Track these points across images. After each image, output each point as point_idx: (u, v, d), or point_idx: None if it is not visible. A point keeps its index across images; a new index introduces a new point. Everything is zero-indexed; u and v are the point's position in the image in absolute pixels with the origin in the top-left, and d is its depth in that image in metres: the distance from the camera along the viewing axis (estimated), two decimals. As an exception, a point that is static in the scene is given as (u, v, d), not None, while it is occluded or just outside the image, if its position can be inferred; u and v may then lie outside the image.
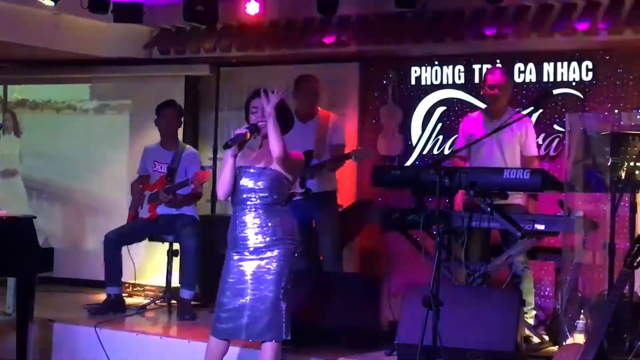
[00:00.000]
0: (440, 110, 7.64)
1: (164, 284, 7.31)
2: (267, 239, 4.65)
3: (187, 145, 7.34)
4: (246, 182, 4.69)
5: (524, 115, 5.70)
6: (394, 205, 6.91)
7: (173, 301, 7.11)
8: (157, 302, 7.31)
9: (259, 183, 4.68)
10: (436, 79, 7.68)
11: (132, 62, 8.45)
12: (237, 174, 4.72)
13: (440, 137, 7.61)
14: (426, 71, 7.71)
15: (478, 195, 5.52)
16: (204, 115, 8.64)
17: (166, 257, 7.24)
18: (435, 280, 4.64)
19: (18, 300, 6.15)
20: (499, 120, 6.05)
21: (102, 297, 7.06)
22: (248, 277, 4.65)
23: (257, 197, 4.67)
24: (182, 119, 7.34)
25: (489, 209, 5.48)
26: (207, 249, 7.01)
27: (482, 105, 7.18)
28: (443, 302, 4.63)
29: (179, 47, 8.21)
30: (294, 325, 4.73)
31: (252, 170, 4.71)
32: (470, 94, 7.49)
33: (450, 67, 7.61)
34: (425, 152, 7.66)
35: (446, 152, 7.47)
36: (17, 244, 5.99)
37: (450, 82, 7.62)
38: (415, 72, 7.76)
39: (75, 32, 7.99)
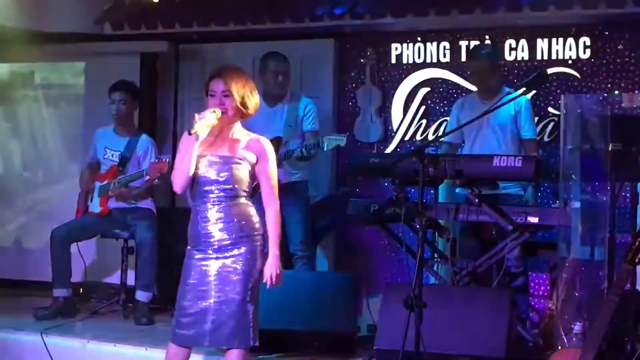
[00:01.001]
0: (423, 91, 7.64)
1: (117, 285, 7.28)
2: (233, 235, 4.61)
3: (144, 134, 7.30)
4: (207, 172, 4.63)
5: (517, 96, 5.72)
6: (372, 197, 6.91)
7: (129, 304, 7.07)
8: (110, 305, 7.28)
9: (222, 174, 4.62)
10: (419, 57, 7.68)
11: (82, 38, 8.38)
12: (196, 163, 4.67)
13: (424, 121, 7.61)
14: (408, 48, 7.71)
15: (465, 185, 5.54)
16: (162, 97, 8.60)
17: (120, 255, 7.20)
18: (418, 280, 4.64)
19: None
20: (492, 101, 6.05)
21: (49, 300, 7.01)
22: (212, 278, 4.62)
23: (220, 189, 4.62)
24: (137, 102, 7.29)
25: (477, 201, 5.50)
26: (166, 246, 6.99)
27: (469, 86, 7.22)
28: (426, 303, 4.64)
29: (134, 22, 8.16)
30: (262, 330, 4.72)
31: (213, 160, 4.65)
32: (457, 74, 7.50)
33: (435, 43, 7.61)
34: (407, 138, 7.67)
35: (430, 137, 7.48)
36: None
37: (435, 60, 7.62)
38: (396, 49, 7.75)
39: (16, 4, 7.90)
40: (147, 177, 6.78)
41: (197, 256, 4.67)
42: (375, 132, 7.73)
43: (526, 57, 7.29)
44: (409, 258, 5.31)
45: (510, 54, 7.32)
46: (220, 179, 4.61)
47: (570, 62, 7.15)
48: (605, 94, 6.97)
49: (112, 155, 7.05)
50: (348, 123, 7.87)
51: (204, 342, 4.64)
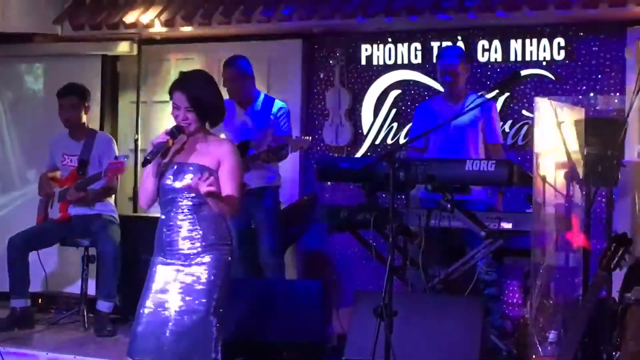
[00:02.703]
0: (394, 94, 7.66)
1: (78, 295, 7.23)
2: (197, 244, 4.59)
3: (100, 132, 7.27)
4: (172, 180, 4.61)
5: (487, 100, 5.76)
6: (341, 203, 6.92)
7: (90, 314, 7.03)
8: (70, 315, 7.23)
9: (185, 181, 4.57)
10: (389, 59, 7.69)
11: (40, 39, 8.33)
12: (162, 171, 4.63)
13: (395, 124, 7.63)
14: (378, 49, 7.72)
15: (437, 190, 5.56)
16: (125, 99, 8.56)
17: (81, 264, 7.16)
18: (388, 287, 4.65)
19: None
20: (458, 105, 6.09)
21: (6, 311, 6.96)
22: (174, 287, 4.58)
23: (185, 197, 4.59)
24: (88, 104, 7.21)
25: (449, 206, 5.51)
26: (128, 254, 6.96)
27: (442, 88, 7.24)
28: (397, 311, 4.65)
29: (95, 22, 8.12)
30: (230, 341, 4.70)
31: (178, 168, 4.62)
32: (429, 76, 7.51)
33: (406, 45, 7.63)
34: (377, 141, 7.68)
35: (401, 141, 7.49)
36: None
37: (406, 61, 7.63)
38: (366, 50, 7.76)
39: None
40: (105, 178, 6.74)
41: (161, 264, 4.64)
42: (345, 136, 7.74)
43: (499, 59, 7.32)
44: (380, 265, 5.31)
45: (483, 55, 7.35)
46: (183, 188, 4.57)
47: (544, 63, 7.18)
48: (580, 97, 7.02)
49: (71, 160, 7.02)
50: (317, 126, 7.87)
51: (161, 357, 4.55)
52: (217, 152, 4.61)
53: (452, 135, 6.23)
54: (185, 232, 4.58)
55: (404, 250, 5.94)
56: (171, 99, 4.63)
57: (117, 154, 7.01)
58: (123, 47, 8.33)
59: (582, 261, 5.52)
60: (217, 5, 7.76)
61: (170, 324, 4.54)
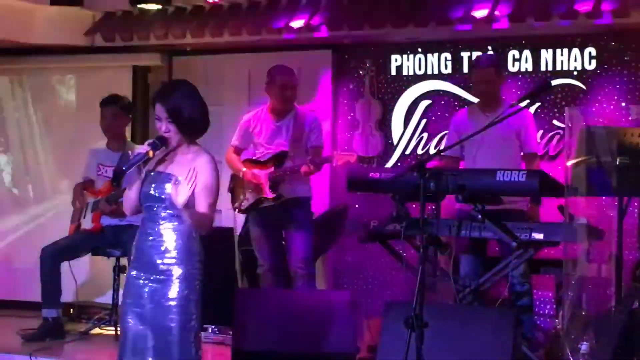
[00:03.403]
0: (424, 104, 7.66)
1: (109, 305, 7.26)
2: (169, 255, 4.49)
3: (137, 146, 7.30)
4: (150, 188, 4.52)
5: (521, 108, 5.71)
6: (372, 214, 6.91)
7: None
8: (101, 326, 7.26)
9: (161, 192, 4.49)
10: (420, 69, 7.70)
11: (72, 51, 8.40)
12: (143, 180, 4.57)
13: (425, 134, 7.62)
14: (408, 60, 7.73)
15: (468, 200, 5.54)
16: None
17: (112, 274, 7.19)
18: (419, 298, 4.64)
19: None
20: (494, 114, 6.04)
21: (37, 321, 7.00)
22: (147, 301, 4.50)
23: (161, 207, 4.50)
24: (130, 116, 7.29)
25: (479, 216, 5.49)
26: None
27: (472, 98, 7.23)
28: (428, 322, 4.63)
29: (126, 34, 8.17)
30: (260, 351, 4.70)
31: (156, 176, 4.54)
32: (459, 86, 7.51)
33: (436, 55, 7.63)
34: (407, 152, 7.68)
35: (432, 151, 7.48)
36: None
37: (436, 72, 7.64)
38: (396, 60, 7.77)
39: (3, 15, 7.92)
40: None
41: (132, 273, 4.58)
42: (375, 146, 7.74)
43: (530, 69, 7.31)
44: (410, 276, 5.30)
45: (513, 65, 7.34)
46: (160, 197, 4.49)
47: (575, 73, 7.16)
48: (611, 107, 6.99)
49: (106, 171, 7.06)
50: (347, 137, 7.87)
51: None
52: (193, 164, 4.48)
53: (487, 145, 6.21)
54: (159, 243, 4.51)
55: (434, 261, 5.93)
56: (155, 114, 4.53)
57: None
58: (154, 59, 8.38)
59: (614, 272, 5.48)
60: (247, 16, 7.79)
61: (151, 339, 4.47)
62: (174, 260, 4.49)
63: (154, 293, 4.48)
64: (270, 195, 6.61)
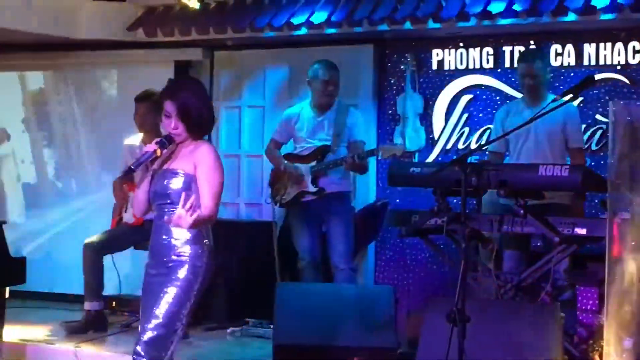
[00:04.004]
0: (466, 98, 7.62)
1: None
2: (177, 252, 4.52)
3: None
4: (158, 186, 4.56)
5: (565, 102, 5.67)
6: (413, 208, 6.90)
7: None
8: (143, 318, 7.30)
9: (164, 189, 4.53)
10: (461, 63, 7.66)
11: (114, 45, 8.46)
12: (152, 176, 4.61)
13: (466, 129, 7.59)
14: (450, 54, 7.70)
15: (509, 195, 5.52)
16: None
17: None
18: (461, 293, 4.63)
19: (-15, 317, 6.18)
20: (539, 108, 5.99)
21: (80, 313, 7.06)
22: (158, 296, 4.53)
23: (168, 204, 4.52)
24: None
25: (521, 211, 5.47)
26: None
27: (514, 92, 7.20)
28: (470, 317, 4.62)
29: (168, 29, 8.21)
30: (301, 345, 4.72)
31: (163, 173, 4.58)
32: (501, 80, 7.47)
33: (478, 49, 7.59)
34: (449, 146, 7.65)
35: (473, 146, 7.46)
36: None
37: (478, 66, 7.60)
38: (438, 55, 7.74)
39: (48, 11, 8.00)
40: None
41: (148, 271, 4.65)
42: (416, 141, 7.71)
43: (573, 63, 7.25)
44: (451, 270, 5.29)
45: (556, 60, 7.28)
46: (167, 193, 4.52)
47: (619, 67, 7.10)
48: (656, 101, 6.93)
49: (142, 166, 7.09)
50: (388, 131, 7.87)
51: None
52: (194, 155, 4.53)
53: (531, 140, 6.17)
54: (168, 239, 4.54)
55: (476, 256, 5.92)
56: (162, 107, 4.57)
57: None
58: (195, 54, 8.41)
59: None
60: (288, 10, 7.80)
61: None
62: (181, 260, 4.51)
63: (164, 287, 4.51)
64: (311, 189, 6.63)
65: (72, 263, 7.43)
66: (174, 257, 4.51)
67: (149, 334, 4.47)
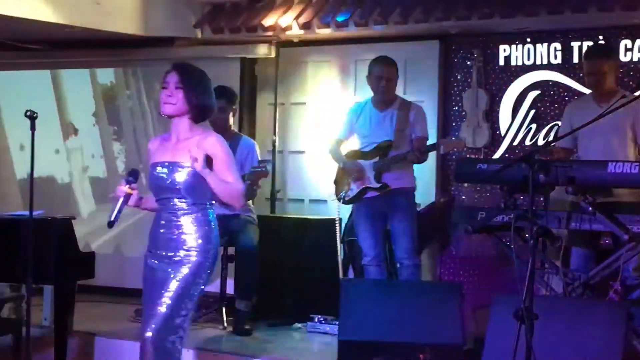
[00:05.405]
0: (533, 94, 7.56)
1: (217, 294, 7.35)
2: (180, 247, 4.52)
3: (244, 136, 7.37)
4: (159, 178, 4.57)
5: (636, 97, 5.57)
6: (479, 204, 6.85)
7: (228, 313, 7.13)
8: (209, 314, 7.35)
9: (174, 181, 4.53)
10: (528, 59, 7.60)
11: (181, 42, 8.52)
12: (155, 169, 4.61)
13: (534, 125, 7.53)
14: (517, 50, 7.64)
15: (577, 192, 5.45)
16: (263, 101, 8.67)
17: (220, 263, 7.27)
18: (529, 291, 4.58)
19: (55, 311, 6.26)
20: (607, 104, 5.90)
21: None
22: (160, 290, 4.54)
23: (177, 197, 4.53)
24: (235, 108, 7.31)
25: (590, 209, 5.40)
26: (266, 254, 7.04)
27: (582, 88, 7.12)
28: (537, 315, 4.57)
29: (234, 25, 8.25)
30: (366, 340, 4.70)
31: (164, 166, 4.58)
32: (569, 76, 7.40)
33: (545, 44, 7.53)
34: (515, 143, 7.59)
35: (540, 142, 7.39)
36: (54, 248, 6.09)
37: (545, 62, 7.53)
38: (504, 50, 7.69)
39: (117, 9, 8.08)
40: (248, 182, 6.82)
41: (148, 262, 4.65)
42: (483, 137, 7.67)
43: (642, 58, 7.15)
44: (519, 268, 5.23)
45: (625, 55, 7.18)
46: (175, 188, 4.52)
47: (691, 62, 6.99)
48: None
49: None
50: (454, 127, 7.82)
51: None
52: (205, 146, 4.51)
53: (601, 136, 6.08)
54: (173, 232, 4.54)
55: (543, 253, 5.86)
56: (163, 83, 4.62)
57: (259, 159, 7.07)
58: (261, 50, 8.44)
59: None
60: (354, 7, 7.79)
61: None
62: (189, 252, 4.51)
63: (165, 281, 4.52)
64: (375, 185, 6.61)
65: (141, 258, 7.48)
66: (182, 252, 4.51)
67: (155, 325, 4.46)
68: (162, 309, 4.48)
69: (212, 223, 4.59)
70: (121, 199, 4.57)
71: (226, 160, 4.54)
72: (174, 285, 4.49)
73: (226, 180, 4.51)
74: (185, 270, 4.50)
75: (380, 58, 6.81)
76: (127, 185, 4.59)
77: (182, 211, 4.53)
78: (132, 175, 4.62)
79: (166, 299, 4.48)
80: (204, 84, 4.64)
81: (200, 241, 4.53)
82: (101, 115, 9.13)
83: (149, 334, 4.48)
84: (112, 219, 4.55)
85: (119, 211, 4.56)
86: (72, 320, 6.28)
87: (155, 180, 4.59)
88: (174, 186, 4.52)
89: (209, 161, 4.50)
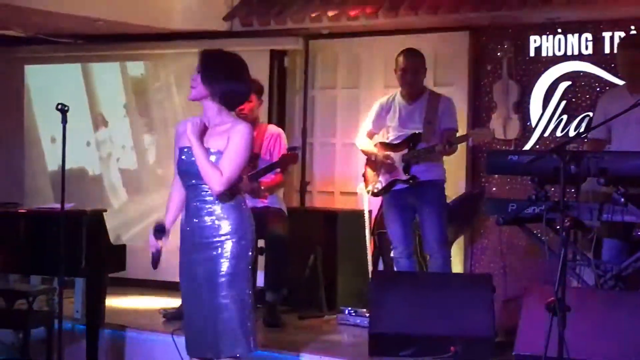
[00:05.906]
0: (564, 85, 7.50)
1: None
2: (216, 233, 4.50)
3: (270, 125, 7.36)
4: (189, 163, 4.50)
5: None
6: (509, 196, 6.82)
7: (258, 305, 7.13)
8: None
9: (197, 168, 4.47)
10: (559, 50, 7.54)
11: (211, 35, 8.53)
12: (184, 153, 4.56)
13: (565, 116, 7.47)
14: (547, 40, 7.58)
15: (610, 183, 5.41)
16: (292, 94, 8.67)
17: (254, 254, 7.28)
18: (561, 282, 4.55)
19: (87, 304, 6.31)
20: (643, 94, 5.87)
21: (179, 300, 7.12)
22: (201, 280, 4.55)
23: (202, 182, 4.48)
24: (261, 99, 7.29)
25: (622, 200, 5.36)
26: (296, 246, 7.04)
27: (613, 79, 7.06)
28: (570, 307, 4.54)
29: (263, 18, 8.25)
30: (395, 333, 4.70)
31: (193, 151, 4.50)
32: (600, 67, 7.34)
33: (576, 35, 7.46)
34: (546, 134, 7.54)
35: (571, 133, 7.34)
36: (85, 241, 6.12)
37: (576, 52, 7.47)
38: (535, 41, 7.63)
39: (147, 3, 8.11)
40: (278, 170, 6.82)
41: (185, 253, 4.66)
42: (513, 128, 7.62)
43: (675, 49, 7.06)
44: (550, 260, 5.21)
45: (657, 45, 7.11)
46: (195, 172, 4.46)
47: None
48: None
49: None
50: (484, 119, 7.79)
51: (207, 354, 4.56)
52: (229, 132, 4.47)
53: (634, 127, 6.03)
54: (211, 220, 4.52)
55: (575, 245, 5.83)
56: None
57: (289, 146, 7.06)
58: (290, 42, 8.44)
59: None
60: (383, -1, 7.78)
61: (206, 320, 4.51)
62: (226, 237, 4.49)
63: (207, 272, 4.51)
64: (403, 177, 6.59)
65: (172, 250, 7.50)
66: (219, 237, 4.49)
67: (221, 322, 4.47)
68: (227, 304, 4.47)
69: (243, 205, 4.58)
70: (155, 254, 4.76)
71: (235, 149, 4.44)
72: (225, 277, 4.48)
73: (222, 160, 4.41)
74: (228, 258, 4.49)
75: (405, 50, 6.79)
76: (157, 242, 4.73)
77: (212, 197, 4.50)
78: (160, 231, 4.71)
79: (225, 293, 4.47)
80: (230, 69, 4.57)
81: (234, 226, 4.51)
82: (132, 107, 9.17)
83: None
84: (154, 269, 4.80)
85: (155, 261, 4.77)
86: (103, 313, 6.31)
87: (184, 166, 4.56)
88: (197, 172, 4.48)
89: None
